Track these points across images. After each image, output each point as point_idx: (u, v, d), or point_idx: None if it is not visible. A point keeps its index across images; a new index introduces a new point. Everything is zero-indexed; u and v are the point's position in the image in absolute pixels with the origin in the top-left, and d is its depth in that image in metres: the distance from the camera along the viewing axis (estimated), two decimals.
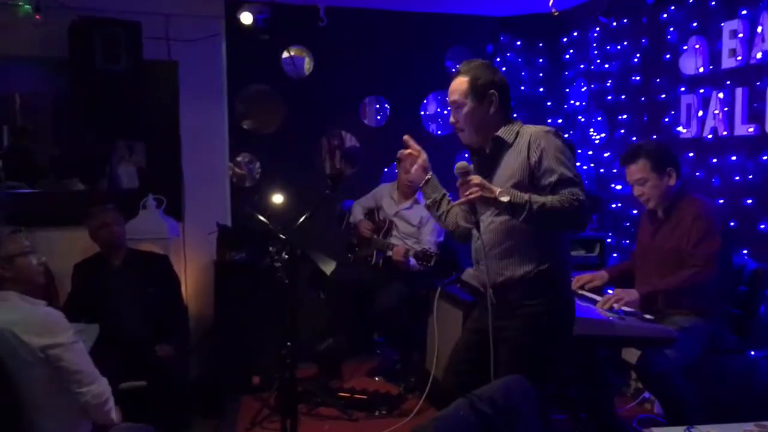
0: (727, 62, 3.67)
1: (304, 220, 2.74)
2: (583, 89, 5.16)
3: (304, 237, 2.82)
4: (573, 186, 2.39)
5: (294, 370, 2.72)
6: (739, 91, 3.59)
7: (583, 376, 3.31)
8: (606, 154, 4.82)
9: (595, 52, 4.96)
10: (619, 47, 4.67)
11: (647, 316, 2.89)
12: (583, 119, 5.09)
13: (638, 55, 4.46)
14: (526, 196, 2.34)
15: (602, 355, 3.31)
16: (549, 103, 5.43)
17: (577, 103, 5.23)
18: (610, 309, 2.99)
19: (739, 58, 3.58)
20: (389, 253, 4.42)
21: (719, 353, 3.19)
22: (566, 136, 4.93)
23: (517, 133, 2.52)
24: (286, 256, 2.72)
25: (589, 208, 2.55)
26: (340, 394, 4.24)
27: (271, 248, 2.81)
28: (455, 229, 2.76)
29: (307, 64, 5.20)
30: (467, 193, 2.32)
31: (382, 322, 4.52)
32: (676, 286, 3.12)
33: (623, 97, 4.65)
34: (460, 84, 2.54)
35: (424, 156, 2.67)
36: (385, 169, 5.34)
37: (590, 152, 5.05)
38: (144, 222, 4.49)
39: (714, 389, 3.17)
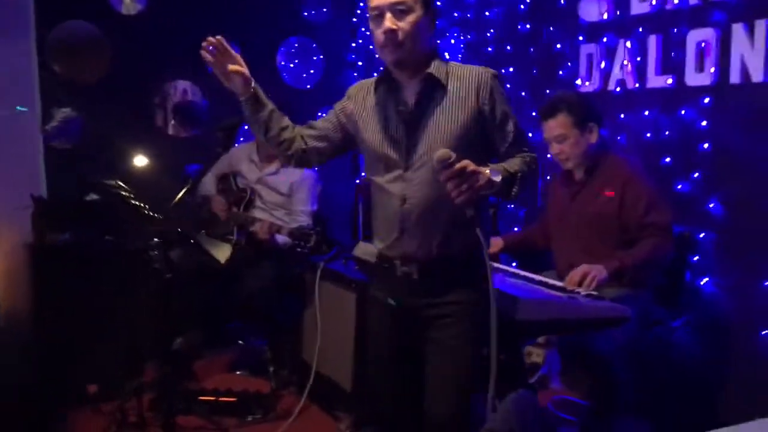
0: (638, 7, 3.35)
1: (182, 195, 2.00)
2: (455, 41, 4.72)
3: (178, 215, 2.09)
4: (524, 137, 2.07)
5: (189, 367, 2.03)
6: (652, 39, 3.28)
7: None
8: None
9: None
10: None
11: (592, 292, 2.49)
12: None
13: (527, 0, 4.06)
14: (510, 168, 1.90)
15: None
16: None
17: (450, 56, 4.78)
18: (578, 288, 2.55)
19: (654, 2, 3.26)
20: (252, 229, 3.73)
21: (648, 327, 2.90)
22: None
23: (447, 72, 2.03)
24: (159, 241, 1.96)
25: None
26: (202, 398, 3.50)
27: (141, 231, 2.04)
28: (295, 153, 2.17)
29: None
30: (464, 187, 1.74)
31: (248, 309, 3.82)
32: (644, 260, 2.75)
33: (509, 48, 4.24)
34: None
35: (240, 61, 2.04)
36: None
37: None
38: None
39: (646, 368, 2.91)
